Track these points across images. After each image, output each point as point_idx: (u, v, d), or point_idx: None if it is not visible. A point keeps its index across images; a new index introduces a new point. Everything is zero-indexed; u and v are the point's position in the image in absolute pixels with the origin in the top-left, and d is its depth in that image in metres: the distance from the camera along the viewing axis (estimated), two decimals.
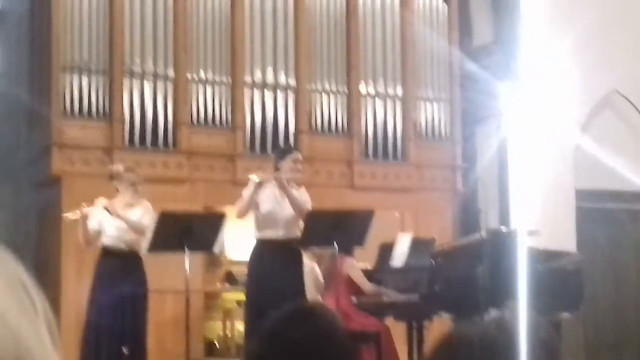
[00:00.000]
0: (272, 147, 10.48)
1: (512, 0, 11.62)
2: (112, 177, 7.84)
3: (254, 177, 7.41)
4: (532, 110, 10.97)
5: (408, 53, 11.44)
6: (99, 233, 7.71)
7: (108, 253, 7.70)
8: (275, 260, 7.31)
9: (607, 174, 10.96)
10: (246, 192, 7.35)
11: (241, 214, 7.42)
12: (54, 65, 10.00)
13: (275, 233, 7.36)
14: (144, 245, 7.47)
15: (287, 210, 7.33)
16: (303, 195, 7.46)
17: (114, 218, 7.60)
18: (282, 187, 7.27)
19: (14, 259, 1.01)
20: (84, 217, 7.63)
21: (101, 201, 7.68)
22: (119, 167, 7.98)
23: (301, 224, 7.48)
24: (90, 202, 7.76)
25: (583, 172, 11.30)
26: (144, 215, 7.58)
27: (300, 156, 7.65)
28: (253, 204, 7.35)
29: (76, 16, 10.11)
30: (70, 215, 7.73)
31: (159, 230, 7.27)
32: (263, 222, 7.39)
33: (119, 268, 7.62)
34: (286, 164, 7.44)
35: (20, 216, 11.33)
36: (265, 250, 7.37)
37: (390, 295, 8.28)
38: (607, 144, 10.99)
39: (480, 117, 11.91)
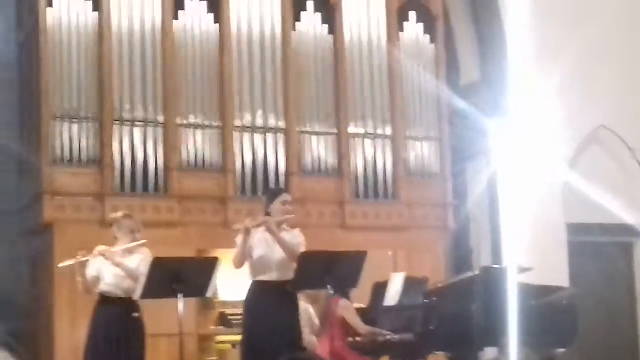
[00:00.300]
0: (263, 189, 10.50)
1: (498, 39, 11.73)
2: (111, 224, 7.84)
3: (237, 226, 7.42)
4: (521, 147, 11.04)
5: (396, 92, 11.52)
6: (97, 280, 7.69)
7: (106, 300, 7.68)
8: (271, 301, 7.29)
9: (596, 208, 11.02)
10: (238, 241, 7.36)
11: (238, 265, 7.42)
12: (43, 113, 10.03)
13: (270, 276, 7.35)
14: (137, 291, 7.43)
15: (280, 253, 7.33)
16: (296, 238, 7.45)
17: (111, 265, 7.59)
18: (271, 232, 7.27)
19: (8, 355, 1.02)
20: (81, 265, 7.60)
21: (99, 248, 7.67)
22: (117, 214, 7.99)
23: (291, 264, 7.48)
24: (83, 249, 7.74)
25: (573, 207, 11.35)
26: (142, 262, 7.56)
27: (289, 198, 7.65)
28: (248, 251, 7.35)
29: (65, 64, 10.15)
30: (65, 263, 7.71)
31: (151, 276, 7.24)
32: (257, 266, 7.39)
33: (117, 315, 7.59)
34: (276, 206, 7.45)
35: (13, 264, 11.31)
36: (261, 292, 7.35)
37: (385, 335, 8.27)
38: (596, 178, 11.06)
39: (469, 154, 11.98)
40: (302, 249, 7.38)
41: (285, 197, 7.54)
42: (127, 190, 10.17)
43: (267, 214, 7.43)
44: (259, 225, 7.32)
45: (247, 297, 7.45)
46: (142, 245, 7.75)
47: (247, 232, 7.28)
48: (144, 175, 10.24)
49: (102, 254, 7.59)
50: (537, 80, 11.06)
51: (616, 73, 11.74)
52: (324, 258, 7.56)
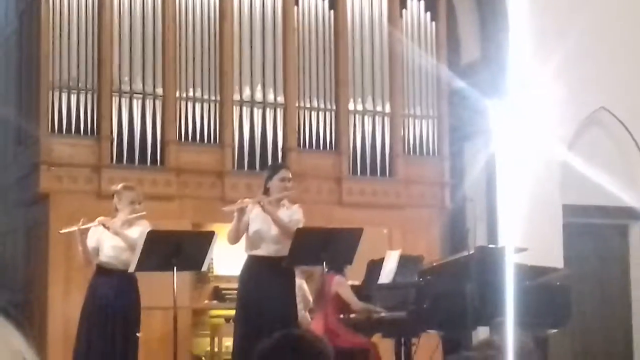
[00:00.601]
0: (261, 164, 10.50)
1: (500, 18, 11.69)
2: (112, 195, 7.84)
3: (228, 208, 7.43)
4: (520, 127, 11.03)
5: (396, 70, 11.50)
6: (96, 251, 7.69)
7: (103, 271, 7.68)
8: (266, 275, 7.32)
9: (593, 189, 11.02)
10: (233, 221, 7.39)
11: (231, 241, 7.45)
12: (42, 84, 10.00)
13: (265, 251, 7.37)
14: (132, 264, 7.44)
15: (275, 229, 7.35)
16: (295, 214, 7.46)
17: (112, 236, 7.58)
18: (266, 211, 7.29)
19: (14, 331, 1.02)
20: (83, 235, 7.60)
21: (99, 219, 7.67)
22: (118, 185, 7.98)
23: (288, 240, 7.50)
24: (80, 219, 7.74)
25: (570, 188, 11.36)
26: (142, 234, 7.55)
27: (289, 174, 7.65)
28: (241, 229, 7.36)
29: (64, 35, 10.12)
30: (67, 229, 7.71)
31: (147, 249, 7.25)
32: (252, 241, 7.41)
33: (114, 287, 7.60)
34: (275, 183, 7.46)
35: (9, 233, 11.34)
36: (256, 266, 7.38)
37: (379, 312, 8.30)
38: (594, 160, 11.06)
39: (468, 133, 11.97)
40: (300, 226, 7.39)
41: (284, 173, 7.54)
42: (124, 162, 10.17)
43: (266, 189, 7.45)
44: (251, 205, 7.33)
45: (242, 271, 7.48)
46: (142, 217, 7.75)
47: (242, 210, 7.30)
48: (141, 148, 10.23)
49: (102, 223, 7.59)
50: (537, 61, 11.03)
51: (617, 54, 11.72)
52: (320, 234, 7.59)
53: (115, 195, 7.82)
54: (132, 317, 7.65)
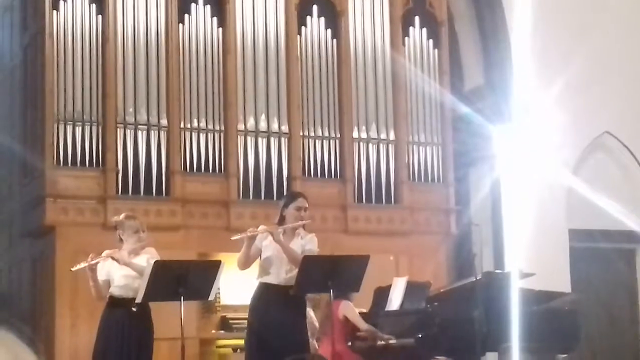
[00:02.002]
0: (266, 193, 10.52)
1: (502, 44, 11.73)
2: (116, 227, 7.82)
3: (236, 237, 7.42)
4: (524, 152, 11.04)
5: (400, 97, 11.52)
6: (107, 284, 7.67)
7: (117, 302, 7.65)
8: (277, 302, 7.30)
9: (599, 214, 11.01)
10: (242, 249, 7.39)
11: (241, 266, 7.44)
12: (47, 116, 10.04)
13: (276, 279, 7.36)
14: (138, 294, 7.42)
15: (287, 259, 7.34)
16: (309, 244, 7.44)
17: (121, 267, 7.56)
18: (277, 242, 7.28)
19: (23, 345, 1.02)
20: (93, 270, 7.58)
21: (106, 252, 7.65)
22: (120, 216, 7.96)
23: None
24: (87, 252, 7.72)
25: (575, 213, 11.35)
26: (150, 261, 7.53)
27: (305, 203, 7.63)
28: (250, 256, 7.36)
29: (69, 67, 10.17)
30: (77, 267, 7.69)
31: (153, 279, 7.23)
32: (263, 267, 7.41)
33: (128, 317, 7.57)
34: (290, 211, 7.45)
35: (15, 266, 11.33)
36: (267, 293, 7.36)
37: (386, 337, 8.27)
38: (599, 184, 11.05)
39: (472, 159, 11.98)
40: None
41: (301, 202, 7.52)
42: (129, 194, 10.18)
43: (282, 217, 7.44)
44: (262, 233, 7.32)
45: (253, 298, 7.47)
46: (148, 244, 7.74)
47: (252, 238, 7.30)
48: (146, 179, 10.25)
49: (111, 256, 7.57)
50: (540, 86, 11.06)
51: (620, 79, 11.74)
52: (327, 262, 7.57)
53: (118, 226, 7.81)
54: (148, 346, 7.63)
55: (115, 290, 7.64)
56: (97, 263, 7.57)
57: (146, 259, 7.55)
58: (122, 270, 7.58)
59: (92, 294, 7.72)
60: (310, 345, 8.41)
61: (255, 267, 7.48)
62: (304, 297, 7.56)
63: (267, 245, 7.35)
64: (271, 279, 7.33)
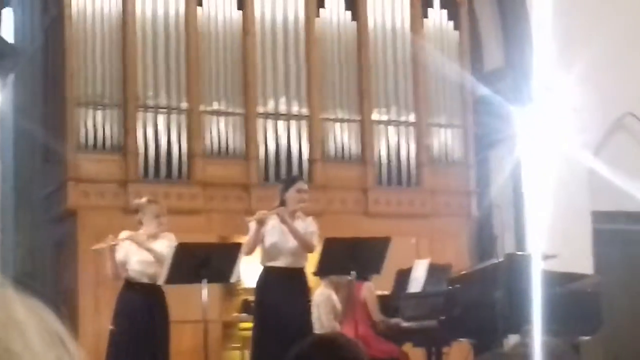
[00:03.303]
0: (286, 176, 10.52)
1: (523, 24, 11.66)
2: (136, 210, 7.84)
3: (251, 223, 7.44)
4: (546, 134, 10.98)
5: (420, 79, 11.48)
6: (124, 264, 7.71)
7: (132, 286, 7.69)
8: (282, 286, 7.34)
9: (621, 195, 10.95)
10: (251, 229, 7.41)
11: (248, 252, 7.48)
12: (68, 100, 10.07)
13: (281, 262, 7.38)
14: (161, 276, 7.46)
15: (292, 241, 7.35)
16: (310, 226, 7.46)
17: (139, 250, 7.59)
18: (283, 221, 7.29)
19: (50, 312, 1.02)
20: (112, 250, 7.62)
21: (124, 233, 7.69)
22: (141, 199, 7.99)
23: (308, 254, 7.53)
24: (108, 234, 7.77)
25: (598, 195, 11.29)
26: (169, 247, 7.57)
27: (305, 186, 7.66)
28: (258, 240, 7.39)
29: (89, 51, 10.19)
30: (97, 246, 7.75)
31: (176, 262, 7.26)
32: (268, 253, 7.43)
33: (143, 301, 7.61)
34: (291, 194, 7.46)
35: (37, 250, 11.39)
36: (273, 277, 7.40)
37: (403, 325, 8.29)
38: (622, 165, 10.98)
39: (493, 141, 11.92)
40: (316, 238, 7.40)
41: (300, 185, 7.55)
42: (150, 177, 10.21)
43: (282, 201, 7.46)
44: (270, 216, 7.35)
45: (257, 283, 7.50)
46: (167, 230, 7.77)
47: (261, 222, 7.32)
48: (167, 162, 10.27)
49: (131, 239, 7.60)
50: (561, 67, 10.99)
51: None
52: (348, 244, 7.59)
53: (138, 209, 7.83)
54: (164, 331, 7.66)
55: (130, 274, 7.69)
56: (116, 245, 7.61)
57: (165, 245, 7.58)
58: (138, 255, 7.61)
59: (108, 274, 7.77)
60: (334, 328, 8.44)
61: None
62: (307, 279, 7.58)
63: (271, 230, 7.37)
64: (277, 263, 7.35)
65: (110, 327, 7.68)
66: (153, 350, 7.57)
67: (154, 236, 7.68)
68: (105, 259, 7.73)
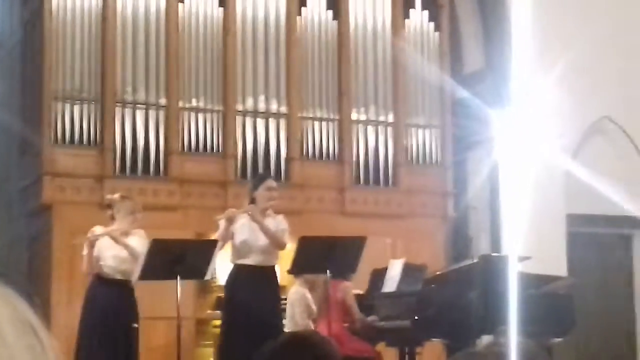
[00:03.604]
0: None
1: (503, 28, 11.70)
2: (109, 205, 7.82)
3: (221, 221, 7.45)
4: (523, 136, 11.02)
5: (399, 80, 11.50)
6: (97, 260, 7.70)
7: (103, 281, 7.68)
8: (251, 285, 7.34)
9: (597, 198, 11.00)
10: (221, 226, 7.42)
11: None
12: (45, 94, 10.02)
13: (252, 260, 7.38)
14: (135, 273, 7.45)
15: (262, 239, 7.35)
16: (280, 224, 7.47)
17: (113, 246, 7.57)
18: (254, 220, 7.30)
19: (20, 298, 1.02)
20: (92, 245, 7.61)
21: (98, 229, 7.67)
22: (114, 195, 7.98)
23: (279, 253, 7.55)
24: (82, 231, 7.76)
25: (574, 197, 11.35)
26: (142, 242, 7.58)
27: (274, 184, 7.67)
28: (227, 237, 7.40)
29: (69, 45, 10.15)
30: (83, 240, 7.74)
31: (150, 258, 7.25)
32: (238, 251, 7.43)
33: (114, 297, 7.60)
34: (260, 192, 7.47)
35: (12, 244, 11.32)
36: (243, 275, 7.40)
37: (376, 322, 8.31)
38: (598, 169, 11.04)
39: (471, 143, 11.96)
40: (286, 235, 7.42)
41: (269, 182, 7.58)
42: (127, 173, 10.18)
43: (252, 199, 7.47)
44: (238, 215, 7.37)
45: (227, 280, 7.52)
46: (139, 226, 7.76)
47: (230, 220, 7.32)
48: (144, 158, 10.24)
49: (109, 234, 7.58)
50: (540, 70, 11.03)
51: (620, 64, 11.72)
52: (324, 243, 7.60)
53: (111, 205, 7.81)
54: (132, 326, 7.66)
55: (103, 269, 7.66)
56: (97, 238, 7.59)
57: (136, 241, 7.58)
58: (112, 251, 7.59)
59: (83, 268, 7.75)
60: (307, 327, 8.44)
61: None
62: (277, 278, 7.59)
63: (241, 228, 7.37)
64: (247, 261, 7.35)
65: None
66: (123, 345, 7.56)
67: (125, 232, 7.66)
68: (84, 250, 7.71)
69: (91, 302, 7.69)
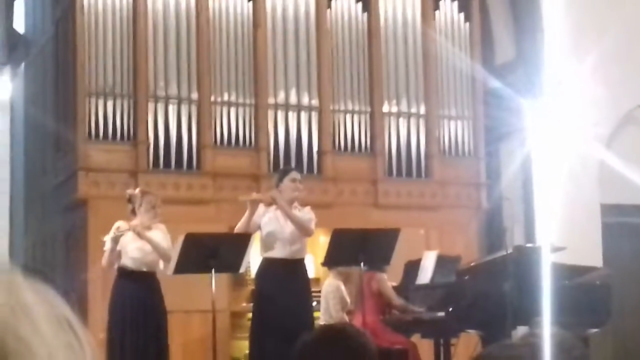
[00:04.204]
0: (296, 167, 10.52)
1: (534, 17, 11.63)
2: (130, 200, 7.85)
3: (242, 198, 7.49)
4: (556, 126, 10.96)
5: (430, 71, 11.47)
6: (119, 254, 7.74)
7: (128, 275, 7.72)
8: (282, 278, 7.35)
9: (632, 188, 10.92)
10: (243, 218, 7.46)
11: (238, 231, 7.51)
12: (78, 90, 10.10)
13: (280, 252, 7.39)
14: (170, 267, 7.49)
15: (288, 230, 7.36)
16: (308, 214, 7.48)
17: (135, 239, 7.61)
18: (280, 207, 7.32)
19: (57, 295, 1.03)
20: (117, 240, 7.65)
21: (120, 224, 7.71)
22: (134, 190, 8.01)
23: (310, 247, 7.56)
24: (115, 225, 7.80)
25: (608, 187, 11.27)
26: (164, 237, 7.63)
27: (298, 176, 7.68)
28: (254, 225, 7.41)
29: (100, 41, 10.21)
30: (108, 237, 7.78)
31: (185, 252, 7.29)
32: (267, 243, 7.45)
33: (141, 290, 7.64)
34: (285, 184, 7.49)
35: (48, 239, 11.44)
36: (272, 268, 7.41)
37: (417, 311, 8.29)
38: (632, 158, 10.96)
39: (503, 133, 11.91)
40: (313, 225, 7.42)
41: (294, 174, 7.59)
42: (160, 167, 10.23)
43: (278, 192, 7.49)
44: (267, 200, 7.37)
45: (257, 274, 7.53)
46: (160, 220, 7.78)
47: (254, 203, 7.34)
48: (177, 152, 10.29)
49: (133, 229, 7.62)
50: (573, 59, 10.96)
51: None
52: (357, 235, 7.60)
53: (131, 200, 7.83)
54: (162, 319, 7.70)
55: (128, 262, 7.70)
56: (122, 235, 7.63)
57: (160, 235, 7.62)
58: (136, 243, 7.62)
59: (103, 263, 7.79)
60: (342, 319, 8.46)
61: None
62: (306, 271, 7.59)
63: (268, 220, 7.38)
64: (275, 254, 7.36)
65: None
66: (154, 337, 7.60)
67: (148, 227, 7.69)
68: (107, 246, 7.75)
69: (118, 296, 7.72)
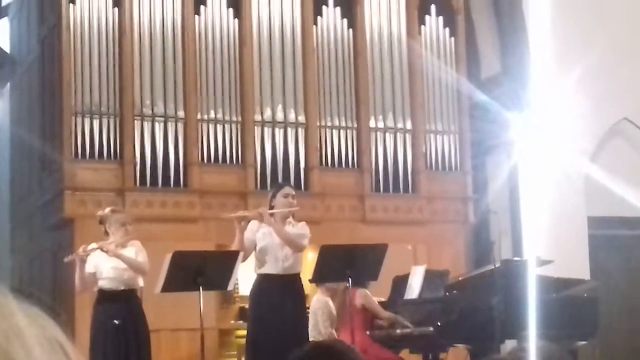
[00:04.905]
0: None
1: (519, 31, 11.69)
2: (102, 221, 7.82)
3: (225, 215, 7.48)
4: (542, 140, 11.01)
5: (416, 86, 11.50)
6: (94, 277, 7.68)
7: (107, 297, 7.65)
8: (276, 294, 7.33)
9: (617, 201, 10.97)
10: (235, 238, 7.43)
11: (242, 259, 7.48)
12: (64, 109, 10.08)
13: (273, 268, 7.37)
14: (157, 285, 7.46)
15: (281, 245, 7.35)
16: (302, 230, 7.47)
17: (110, 259, 7.56)
18: (267, 222, 7.31)
19: (50, 318, 1.03)
20: (82, 261, 7.60)
21: (93, 245, 7.66)
22: (105, 210, 7.98)
23: (303, 261, 7.54)
24: (80, 247, 7.77)
25: (594, 200, 11.32)
26: (138, 253, 7.59)
27: (292, 191, 7.68)
28: (250, 246, 7.38)
29: (86, 60, 10.20)
30: (69, 258, 7.74)
31: (172, 270, 7.27)
32: (260, 259, 7.43)
33: (120, 311, 7.58)
34: (279, 200, 7.49)
35: (35, 258, 11.40)
36: (266, 285, 7.39)
37: (405, 323, 8.28)
38: (617, 171, 11.01)
39: (490, 147, 11.95)
40: (306, 241, 7.40)
41: (287, 190, 7.59)
42: (147, 185, 10.22)
43: (271, 207, 7.49)
44: (254, 217, 7.36)
45: (252, 290, 7.51)
46: (134, 237, 7.74)
47: (240, 221, 7.33)
48: (164, 170, 10.28)
49: (101, 247, 7.57)
50: (558, 73, 11.02)
51: (638, 65, 11.68)
52: (345, 251, 7.60)
53: (103, 221, 7.81)
54: (145, 339, 7.65)
55: (105, 283, 7.63)
56: (87, 255, 7.58)
57: (133, 252, 7.58)
58: (110, 262, 7.58)
59: (76, 286, 7.73)
60: (331, 335, 8.45)
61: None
62: (302, 286, 7.57)
63: (261, 236, 7.37)
64: (268, 269, 7.34)
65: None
66: (137, 356, 7.55)
67: (121, 244, 7.66)
68: (74, 270, 7.71)
69: (98, 321, 7.65)
